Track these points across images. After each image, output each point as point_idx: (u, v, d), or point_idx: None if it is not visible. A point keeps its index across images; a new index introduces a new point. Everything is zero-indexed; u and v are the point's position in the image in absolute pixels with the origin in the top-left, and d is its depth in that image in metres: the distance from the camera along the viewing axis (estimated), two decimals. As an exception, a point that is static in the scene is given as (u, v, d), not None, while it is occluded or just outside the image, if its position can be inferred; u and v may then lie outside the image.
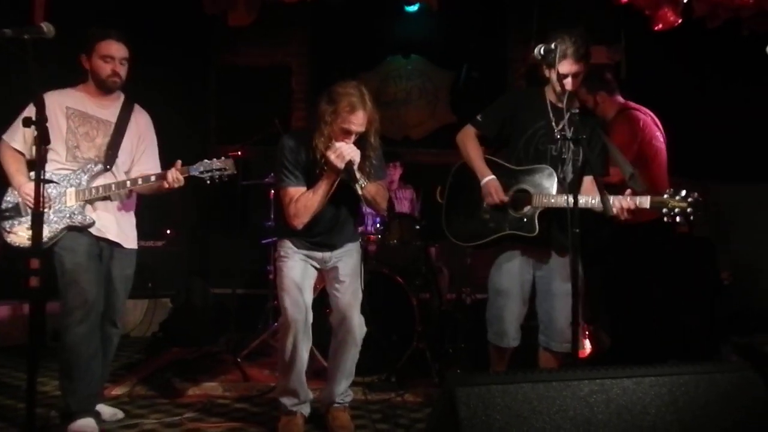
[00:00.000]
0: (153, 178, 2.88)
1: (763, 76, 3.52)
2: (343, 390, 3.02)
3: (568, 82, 2.80)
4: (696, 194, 2.48)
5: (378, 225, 4.34)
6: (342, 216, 2.96)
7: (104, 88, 2.93)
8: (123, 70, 2.92)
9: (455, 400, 1.61)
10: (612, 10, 5.04)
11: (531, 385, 1.69)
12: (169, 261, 5.10)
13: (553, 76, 2.83)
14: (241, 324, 4.60)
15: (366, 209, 4.25)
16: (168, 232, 5.16)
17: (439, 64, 6.31)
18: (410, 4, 5.47)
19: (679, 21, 4.61)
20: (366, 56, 6.27)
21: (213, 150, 5.95)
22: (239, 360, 3.98)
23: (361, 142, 2.81)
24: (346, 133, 2.75)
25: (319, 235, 2.93)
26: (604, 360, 3.83)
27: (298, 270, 2.92)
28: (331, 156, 2.70)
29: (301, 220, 2.82)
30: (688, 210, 2.48)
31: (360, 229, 4.30)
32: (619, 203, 2.61)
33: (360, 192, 2.75)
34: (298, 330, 2.80)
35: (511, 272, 2.97)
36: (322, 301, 3.26)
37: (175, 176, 2.83)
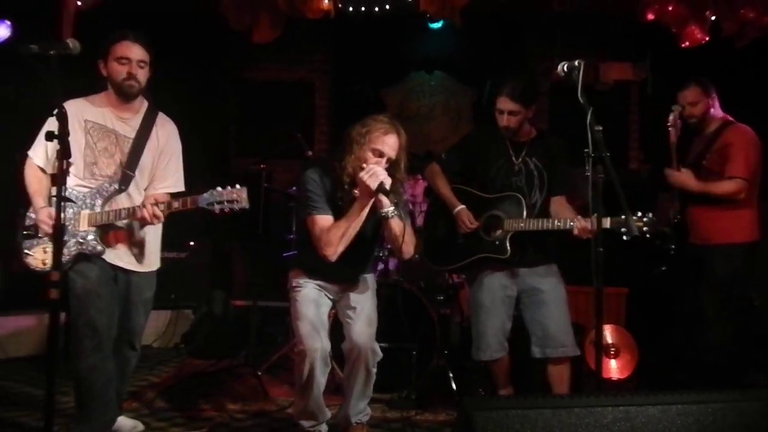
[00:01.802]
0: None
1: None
2: (361, 409, 2.99)
3: (501, 119, 3.08)
4: (651, 215, 2.66)
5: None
6: (360, 252, 2.86)
7: (122, 94, 2.76)
8: (141, 74, 2.75)
9: (473, 425, 1.58)
10: (638, 27, 4.99)
11: (552, 411, 1.65)
12: (192, 272, 5.13)
13: (496, 113, 3.11)
14: (262, 337, 4.61)
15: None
16: (191, 243, 5.20)
17: (462, 80, 6.31)
18: (434, 21, 5.49)
19: (706, 39, 4.56)
20: (389, 72, 6.30)
21: (233, 163, 6.02)
22: (259, 374, 3.98)
23: (390, 171, 2.76)
24: (378, 157, 2.73)
25: (336, 269, 2.81)
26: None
27: (313, 297, 2.88)
28: (365, 176, 2.62)
29: (335, 249, 2.71)
30: (644, 229, 2.64)
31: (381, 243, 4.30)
32: (579, 224, 2.84)
33: (389, 218, 2.68)
34: (316, 359, 2.72)
35: (492, 288, 3.17)
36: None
37: (151, 212, 2.61)
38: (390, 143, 2.74)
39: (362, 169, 2.68)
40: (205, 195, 2.61)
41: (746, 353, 4.19)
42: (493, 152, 3.20)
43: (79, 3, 4.52)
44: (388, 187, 2.65)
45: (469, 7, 4.56)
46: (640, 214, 2.68)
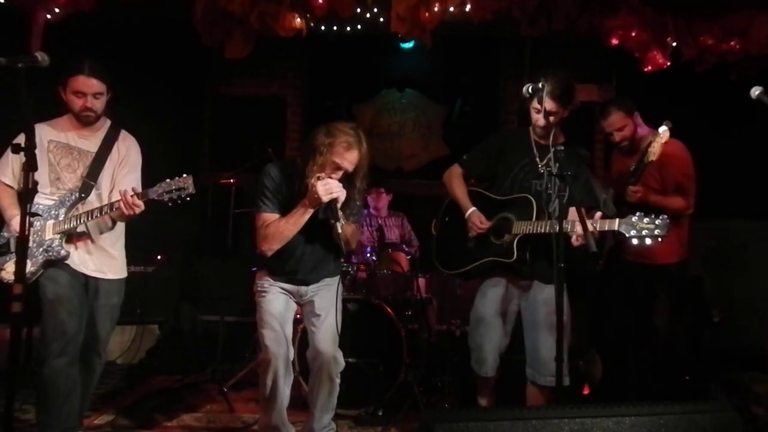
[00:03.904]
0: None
1: (746, 119, 3.59)
2: (326, 424, 2.98)
3: (539, 118, 2.95)
4: (664, 216, 2.56)
5: (369, 254, 4.35)
6: (317, 254, 2.93)
7: (80, 122, 2.89)
8: (98, 104, 2.85)
9: (433, 436, 1.61)
10: (603, 51, 5.15)
11: (510, 423, 1.69)
12: (159, 287, 5.06)
13: (533, 111, 2.99)
14: (229, 352, 4.57)
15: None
16: (159, 257, 5.15)
17: (433, 98, 6.40)
18: (405, 41, 5.58)
19: (668, 64, 4.72)
20: (361, 89, 6.36)
21: (205, 177, 5.99)
22: (225, 390, 3.95)
23: (348, 181, 2.83)
24: (336, 169, 2.78)
25: (291, 271, 2.91)
26: (591, 396, 3.82)
27: (277, 304, 2.90)
28: (320, 188, 2.69)
29: (270, 246, 2.81)
30: (656, 232, 2.52)
31: (352, 259, 4.32)
32: (590, 227, 2.65)
33: (339, 230, 2.72)
34: (279, 366, 2.75)
35: (494, 300, 3.08)
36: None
37: (130, 201, 2.69)
38: (350, 159, 2.79)
39: (318, 179, 2.73)
40: (154, 187, 2.72)
41: (707, 368, 4.30)
42: (518, 152, 3.11)
43: (48, 16, 4.50)
44: (339, 204, 2.73)
45: (439, 29, 4.65)
46: (653, 215, 2.57)
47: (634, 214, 2.58)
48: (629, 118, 3.50)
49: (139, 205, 2.72)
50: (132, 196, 2.69)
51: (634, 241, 2.56)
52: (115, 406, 3.71)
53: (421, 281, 4.49)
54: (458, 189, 3.22)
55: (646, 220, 2.55)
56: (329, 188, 2.70)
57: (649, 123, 3.58)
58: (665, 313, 3.52)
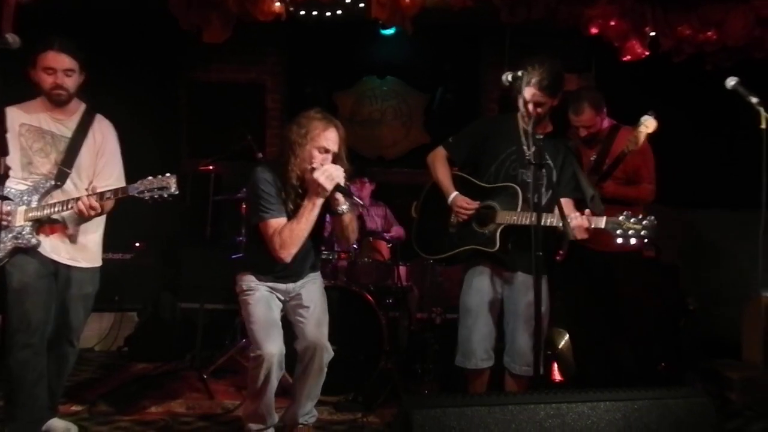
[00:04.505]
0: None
1: (724, 108, 3.64)
2: (308, 410, 3.01)
3: (529, 108, 2.87)
4: (652, 218, 2.52)
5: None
6: (304, 249, 2.87)
7: (52, 102, 2.80)
8: (69, 81, 2.76)
9: (411, 422, 1.62)
10: (583, 40, 5.17)
11: (487, 409, 1.71)
12: (137, 274, 5.02)
13: (521, 102, 2.91)
14: (209, 340, 4.56)
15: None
16: (137, 244, 5.10)
17: (414, 86, 6.39)
18: (386, 28, 5.56)
19: (646, 53, 4.76)
20: (342, 76, 6.32)
21: (184, 164, 5.94)
22: (205, 377, 3.94)
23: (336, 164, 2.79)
24: (323, 154, 2.74)
25: (282, 269, 2.85)
26: (569, 385, 3.88)
27: (265, 301, 2.87)
28: (321, 177, 2.64)
29: (289, 252, 2.73)
30: (642, 233, 2.50)
31: (332, 246, 4.32)
32: (577, 221, 2.65)
33: (347, 219, 2.70)
34: (274, 363, 2.72)
35: (481, 291, 3.03)
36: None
37: (87, 203, 2.65)
38: (331, 138, 2.76)
39: (312, 170, 2.69)
40: (136, 184, 2.66)
41: (683, 356, 4.39)
42: (505, 138, 3.03)
43: (20, -2, 4.39)
44: (344, 184, 2.69)
45: (420, 16, 4.63)
46: (640, 216, 2.55)
47: (622, 213, 2.56)
48: (599, 115, 3.54)
49: (96, 209, 2.68)
50: (89, 196, 2.65)
51: (619, 240, 2.54)
52: (92, 393, 3.68)
53: (402, 269, 4.51)
54: (441, 172, 3.14)
55: (633, 220, 2.52)
56: (329, 173, 2.66)
57: (628, 112, 3.61)
58: (630, 298, 3.55)
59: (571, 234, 2.57)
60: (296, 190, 2.77)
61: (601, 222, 2.61)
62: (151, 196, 2.64)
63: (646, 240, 2.52)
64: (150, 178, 2.65)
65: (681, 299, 4.57)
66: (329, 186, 2.65)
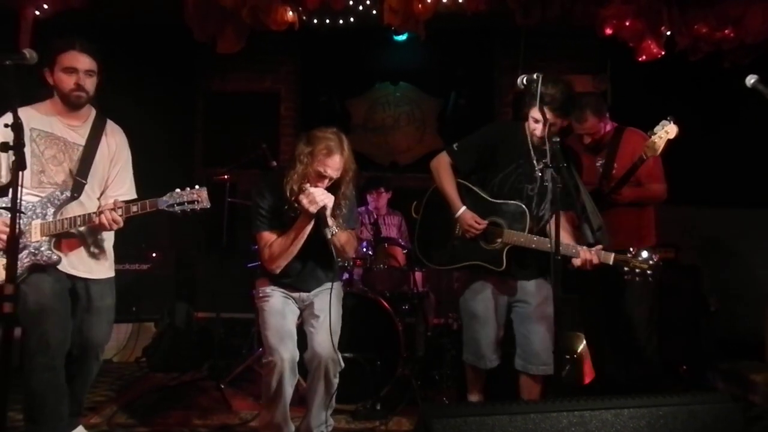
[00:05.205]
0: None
1: (742, 107, 3.58)
2: (323, 420, 2.98)
3: (538, 128, 2.85)
4: (657, 257, 2.64)
5: (365, 249, 4.34)
6: (315, 261, 2.91)
7: (69, 104, 2.71)
8: (89, 83, 2.69)
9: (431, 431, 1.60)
10: (597, 41, 5.12)
11: (509, 417, 1.68)
12: (155, 284, 5.04)
13: (530, 120, 2.89)
14: (226, 349, 4.56)
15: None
16: (154, 255, 5.13)
17: (427, 91, 6.37)
18: (399, 33, 5.55)
19: (662, 53, 4.70)
20: (355, 83, 6.32)
21: (198, 173, 5.98)
22: (222, 387, 3.93)
23: (333, 189, 2.80)
24: (321, 177, 2.74)
25: (291, 280, 2.93)
26: (591, 387, 3.82)
27: (281, 307, 2.89)
28: (304, 200, 2.67)
29: (277, 264, 2.81)
30: (648, 272, 2.63)
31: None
32: (584, 255, 2.72)
33: (329, 237, 2.70)
34: (285, 368, 2.73)
35: (486, 297, 3.06)
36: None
37: (110, 218, 2.57)
38: (332, 165, 2.74)
39: (303, 190, 2.70)
40: (165, 197, 2.59)
41: (704, 357, 4.31)
42: (513, 150, 2.98)
43: (37, 13, 4.45)
44: (328, 211, 2.71)
45: (433, 21, 4.62)
46: (645, 255, 2.65)
47: (628, 251, 2.67)
48: (602, 121, 3.49)
49: (119, 223, 2.61)
50: (111, 210, 2.58)
51: (626, 277, 2.67)
52: (111, 405, 3.69)
53: (418, 275, 4.48)
54: (447, 183, 3.08)
55: (640, 259, 2.63)
56: (312, 198, 2.67)
57: (644, 113, 3.56)
58: (639, 300, 3.49)
59: (576, 255, 2.68)
60: (291, 204, 2.77)
61: (610, 258, 2.70)
62: (182, 210, 2.58)
63: (650, 279, 2.66)
64: (178, 190, 2.59)
65: (702, 300, 4.50)
66: (312, 209, 2.67)
